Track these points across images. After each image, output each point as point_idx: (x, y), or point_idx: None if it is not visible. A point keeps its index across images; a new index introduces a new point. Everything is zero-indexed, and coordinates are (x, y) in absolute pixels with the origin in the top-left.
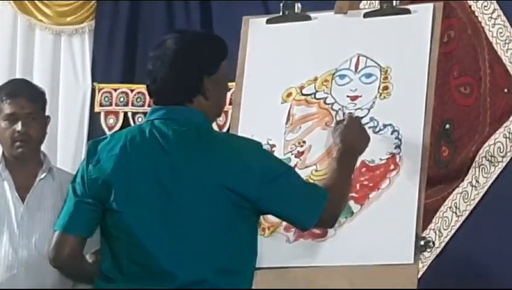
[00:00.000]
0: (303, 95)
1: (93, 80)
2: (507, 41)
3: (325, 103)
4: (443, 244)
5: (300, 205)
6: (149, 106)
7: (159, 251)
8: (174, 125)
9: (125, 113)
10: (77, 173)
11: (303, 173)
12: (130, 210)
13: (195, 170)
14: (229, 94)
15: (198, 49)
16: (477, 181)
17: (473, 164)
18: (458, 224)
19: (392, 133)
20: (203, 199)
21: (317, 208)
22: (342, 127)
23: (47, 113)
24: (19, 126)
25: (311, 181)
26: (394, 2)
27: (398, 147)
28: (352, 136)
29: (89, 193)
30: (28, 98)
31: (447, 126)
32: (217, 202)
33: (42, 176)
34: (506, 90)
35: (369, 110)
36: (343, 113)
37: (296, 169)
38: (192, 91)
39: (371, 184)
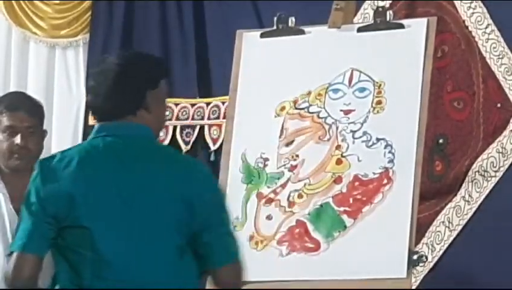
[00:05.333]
0: (296, 109)
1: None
2: (500, 56)
3: (318, 117)
4: (436, 259)
5: (232, 247)
6: None
7: (124, 265)
8: (125, 140)
9: None
10: (29, 193)
11: (296, 187)
12: (95, 226)
13: (154, 184)
14: (223, 107)
15: (141, 64)
16: (470, 196)
17: (466, 179)
18: (451, 239)
19: (385, 148)
20: (163, 212)
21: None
22: None
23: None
24: (17, 139)
25: (304, 195)
26: (388, 16)
27: (391, 161)
28: None
29: (48, 212)
30: (27, 112)
31: (440, 141)
32: (176, 216)
33: None
34: (499, 105)
35: (362, 124)
36: (336, 128)
37: (289, 183)
38: (136, 104)
39: (364, 198)
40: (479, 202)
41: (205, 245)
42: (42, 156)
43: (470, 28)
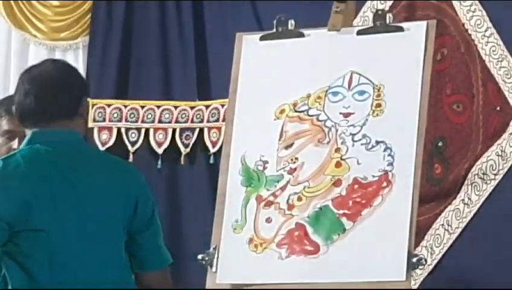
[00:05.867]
0: (296, 111)
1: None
2: (500, 59)
3: (317, 119)
4: (435, 262)
5: (165, 253)
6: (143, 121)
7: (80, 267)
8: (67, 145)
9: (119, 129)
10: None
11: (295, 190)
12: (51, 228)
13: (101, 185)
14: (222, 110)
15: (74, 71)
16: (469, 199)
17: (465, 182)
18: (450, 241)
19: (384, 150)
20: (112, 213)
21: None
22: None
23: None
24: (15, 144)
25: (303, 197)
26: (387, 19)
27: (390, 164)
28: None
29: (1, 217)
30: None
31: (440, 144)
32: (123, 215)
33: None
34: (498, 108)
35: (361, 127)
36: (336, 130)
37: (289, 185)
38: (75, 108)
39: (363, 201)
40: (478, 205)
41: (141, 246)
42: None
43: (469, 31)
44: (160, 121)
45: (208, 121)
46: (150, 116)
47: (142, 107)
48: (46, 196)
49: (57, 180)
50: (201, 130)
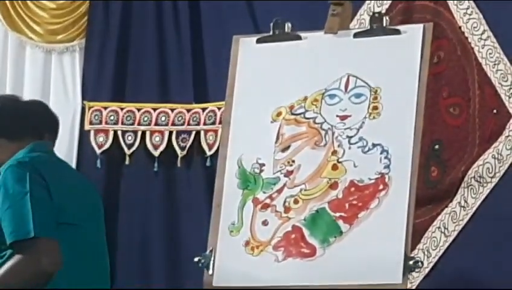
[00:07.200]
0: (292, 114)
1: (83, 98)
2: (496, 62)
3: (314, 122)
4: (431, 265)
5: None
6: (139, 124)
7: (99, 263)
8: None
9: (115, 132)
10: (34, 185)
11: (292, 192)
12: (84, 224)
13: (96, 199)
14: (219, 113)
15: None
16: (465, 201)
17: (462, 185)
18: (447, 244)
19: (381, 153)
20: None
21: None
22: None
23: None
24: None
25: (300, 200)
26: (384, 22)
27: (387, 167)
28: None
29: (55, 205)
30: None
31: (436, 146)
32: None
33: None
34: (495, 111)
35: (358, 130)
36: (333, 133)
37: (285, 188)
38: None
39: (360, 204)
40: (474, 208)
41: None
42: None
43: (466, 34)
44: (156, 124)
45: (205, 124)
46: (146, 118)
47: (139, 109)
48: (75, 193)
49: (76, 181)
50: (197, 132)
